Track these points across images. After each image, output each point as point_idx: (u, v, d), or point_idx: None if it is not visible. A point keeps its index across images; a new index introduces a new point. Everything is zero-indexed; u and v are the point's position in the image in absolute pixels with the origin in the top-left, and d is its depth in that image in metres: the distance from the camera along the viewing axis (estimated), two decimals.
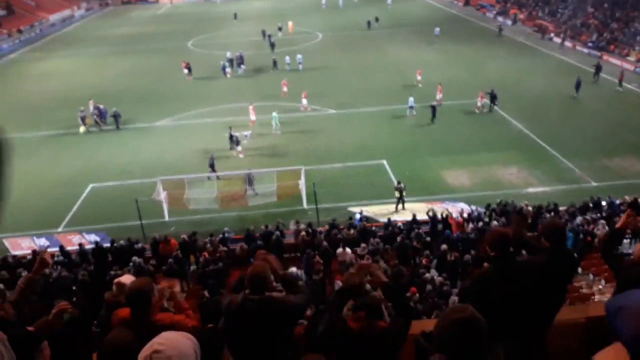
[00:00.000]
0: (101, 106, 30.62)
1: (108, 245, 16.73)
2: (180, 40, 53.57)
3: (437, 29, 45.91)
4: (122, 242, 16.63)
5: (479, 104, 29.88)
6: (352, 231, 17.26)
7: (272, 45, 45.48)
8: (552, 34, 46.89)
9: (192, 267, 15.95)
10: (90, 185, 23.15)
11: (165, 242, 16.35)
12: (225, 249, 16.26)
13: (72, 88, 37.66)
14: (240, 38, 52.56)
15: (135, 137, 28.88)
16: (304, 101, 30.86)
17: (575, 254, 13.62)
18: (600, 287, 14.12)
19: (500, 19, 57.02)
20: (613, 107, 30.32)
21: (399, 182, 20.54)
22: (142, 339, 2.58)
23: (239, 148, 25.32)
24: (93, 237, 18.34)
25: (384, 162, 24.31)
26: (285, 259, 16.05)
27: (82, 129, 29.47)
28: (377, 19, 54.92)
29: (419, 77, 34.48)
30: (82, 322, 3.73)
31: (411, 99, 29.51)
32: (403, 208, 20.27)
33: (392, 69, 39.56)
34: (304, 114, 30.63)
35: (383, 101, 32.08)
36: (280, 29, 51.71)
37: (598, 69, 34.08)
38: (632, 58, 39.31)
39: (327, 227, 17.73)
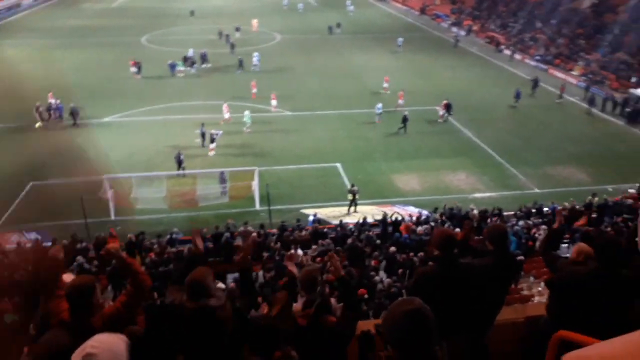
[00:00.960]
0: (57, 101, 29.30)
1: (49, 244, 16.01)
2: (134, 35, 52.10)
3: (400, 39, 46.61)
4: (64, 241, 15.95)
5: (440, 112, 30.51)
6: (304, 233, 17.29)
7: (232, 46, 44.88)
8: (502, 46, 48.68)
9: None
10: (31, 183, 22.09)
11: (111, 237, 15.86)
12: (173, 249, 15.92)
13: (19, 79, 35.86)
14: (197, 36, 51.60)
15: (81, 133, 27.80)
16: (274, 102, 30.87)
17: (518, 257, 14.27)
18: (539, 288, 14.73)
19: (454, 29, 58.72)
20: (555, 118, 31.77)
21: (352, 185, 20.77)
22: (80, 342, 2.47)
23: (212, 145, 25.06)
24: (33, 236, 17.51)
25: (338, 165, 24.50)
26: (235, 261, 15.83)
27: (38, 124, 28.10)
28: (338, 25, 55.28)
29: (385, 85, 34.83)
30: (21, 323, 3.53)
31: (379, 106, 29.81)
32: (355, 211, 20.50)
33: (351, 74, 39.98)
34: (261, 115, 30.42)
35: (341, 106, 32.43)
36: (237, 29, 50.93)
37: (535, 83, 35.51)
38: (575, 72, 41.40)
39: (277, 229, 17.67)
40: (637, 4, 46.55)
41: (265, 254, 15.47)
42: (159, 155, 25.12)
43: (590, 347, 1.20)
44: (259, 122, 29.04)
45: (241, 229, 17.25)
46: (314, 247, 16.17)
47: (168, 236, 16.90)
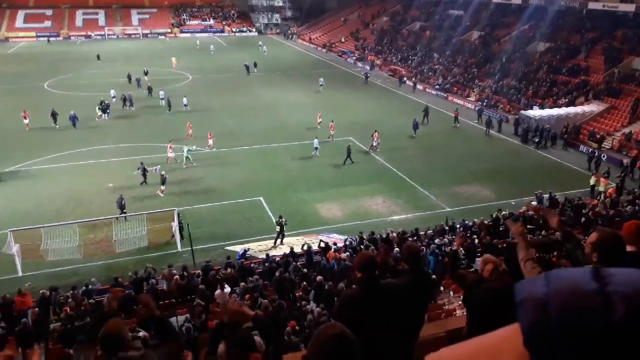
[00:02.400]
0: None
1: None
2: (35, 81, 49.42)
3: (322, 79, 47.54)
4: None
5: (374, 143, 31.56)
6: (229, 270, 17.07)
7: (150, 89, 43.57)
8: (405, 78, 51.96)
9: (53, 325, 14.42)
10: None
11: (20, 295, 14.67)
12: (91, 301, 15.02)
13: None
14: (104, 79, 50.05)
15: None
16: (210, 141, 30.90)
17: (435, 275, 15.08)
18: (460, 302, 15.61)
19: (360, 64, 62.01)
20: (456, 141, 34.28)
21: (280, 217, 20.87)
22: None
23: (163, 187, 24.74)
24: None
25: (261, 198, 24.61)
26: (161, 307, 15.27)
27: None
28: (255, 64, 56.16)
29: (319, 120, 35.64)
30: None
31: (316, 141, 30.42)
32: (281, 243, 20.59)
33: (267, 110, 40.71)
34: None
35: (260, 141, 32.78)
36: (146, 72, 49.64)
37: (426, 112, 37.75)
38: (472, 98, 45.12)
39: (201, 269, 17.28)
40: (518, 34, 52.11)
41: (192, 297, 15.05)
42: (69, 203, 23.80)
43: (448, 348, 1.24)
44: (178, 162, 28.50)
45: (165, 271, 16.69)
46: (242, 284, 15.98)
47: (84, 287, 15.92)
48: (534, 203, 22.88)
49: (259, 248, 19.99)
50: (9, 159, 28.95)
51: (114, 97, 41.87)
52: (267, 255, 18.09)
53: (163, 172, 25.43)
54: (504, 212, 21.16)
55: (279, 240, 20.66)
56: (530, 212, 21.15)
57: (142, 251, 19.51)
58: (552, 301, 0.99)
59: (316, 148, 30.33)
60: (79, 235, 19.71)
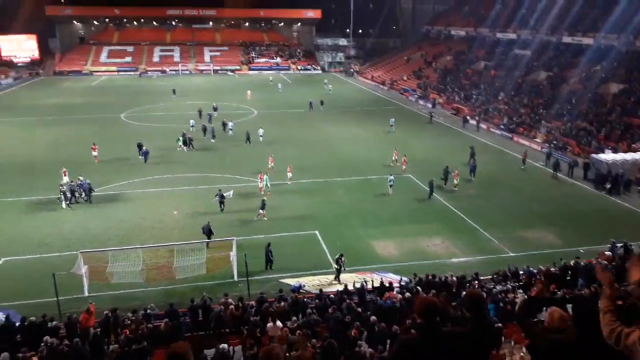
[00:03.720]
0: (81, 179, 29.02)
1: (18, 322, 15.39)
2: (114, 112, 53.18)
3: (393, 120, 47.16)
4: (32, 318, 15.35)
5: (455, 181, 31.27)
6: (282, 304, 17.06)
7: (224, 124, 45.26)
8: (468, 117, 51.07)
9: (112, 346, 14.93)
10: (2, 259, 21.52)
11: (87, 312, 15.38)
12: (150, 325, 15.45)
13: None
14: (178, 112, 53.03)
15: (55, 207, 27.51)
16: (289, 174, 31.62)
17: (498, 323, 14.33)
18: (522, 354, 14.68)
19: (422, 102, 61.81)
20: (523, 183, 33.02)
21: (341, 255, 20.60)
22: None
23: (262, 211, 25.88)
24: (1, 315, 16.77)
25: (317, 232, 24.67)
26: (220, 334, 15.53)
27: (64, 204, 27.67)
28: (322, 102, 57.29)
29: (394, 157, 35.84)
30: None
31: (391, 177, 30.40)
32: (338, 280, 20.27)
33: (327, 145, 41.49)
34: (242, 185, 30.78)
35: (320, 175, 33.13)
36: (215, 108, 51.39)
37: (472, 152, 36.17)
38: (539, 140, 43.53)
39: (255, 301, 17.38)
40: (587, 76, 50.14)
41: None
42: (135, 228, 24.96)
43: None
44: (240, 194, 29.26)
45: (222, 300, 16.95)
46: (294, 318, 15.91)
47: (142, 312, 16.44)
48: (608, 253, 21.45)
49: (312, 283, 19.88)
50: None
51: (192, 126, 44.32)
52: (321, 290, 17.92)
53: (264, 198, 26.69)
54: (574, 260, 19.91)
55: (341, 276, 20.30)
56: (604, 262, 19.82)
57: (199, 278, 19.96)
58: None
59: (391, 185, 30.09)
60: (142, 260, 20.52)
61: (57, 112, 53.46)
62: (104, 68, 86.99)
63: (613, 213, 28.27)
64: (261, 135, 42.11)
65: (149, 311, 16.58)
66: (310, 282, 20.01)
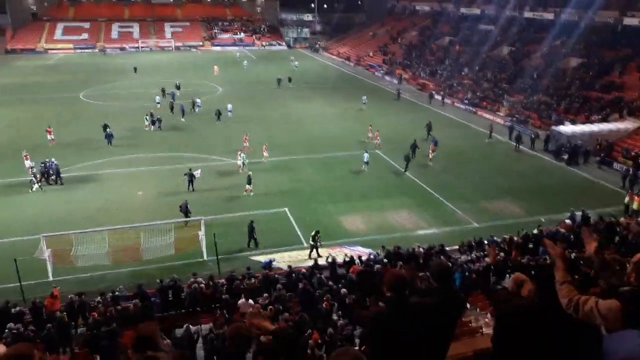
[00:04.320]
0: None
1: None
2: (71, 92, 51.20)
3: (365, 97, 46.83)
4: None
5: (430, 155, 31.79)
6: (253, 281, 17.12)
7: (193, 104, 43.87)
8: (434, 92, 51.54)
9: (80, 330, 14.72)
10: None
11: (51, 297, 15.05)
12: (119, 307, 15.26)
13: None
14: (140, 90, 51.51)
15: (16, 191, 26.57)
16: (265, 153, 31.48)
17: (463, 292, 14.78)
18: (486, 320, 15.24)
19: (388, 78, 62.06)
20: (485, 156, 33.79)
21: (317, 232, 20.71)
22: None
23: (249, 187, 26.26)
24: None
25: (286, 209, 24.69)
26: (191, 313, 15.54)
27: (35, 186, 26.74)
28: (290, 79, 56.74)
29: (369, 134, 35.81)
30: None
31: (366, 155, 30.46)
32: (318, 255, 20.38)
33: (295, 122, 41.29)
34: (213, 164, 30.40)
35: (286, 152, 33.02)
36: (178, 87, 49.88)
37: (429, 127, 37.02)
38: (502, 114, 44.47)
39: (226, 279, 17.37)
40: (549, 51, 51.29)
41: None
42: (101, 210, 24.40)
43: None
44: (205, 172, 28.88)
45: (191, 280, 16.86)
46: (265, 294, 16.01)
47: (111, 294, 16.19)
48: (568, 221, 22.35)
49: (282, 259, 19.98)
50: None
51: (158, 102, 43.59)
52: (290, 267, 18.03)
53: (250, 173, 26.90)
54: (537, 229, 20.66)
55: (314, 253, 20.54)
56: (563, 230, 20.67)
57: (167, 259, 19.75)
58: None
59: (366, 162, 30.30)
60: (108, 242, 20.12)
61: (12, 92, 51.03)
62: (59, 46, 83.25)
63: (572, 183, 29.35)
64: (230, 111, 42.04)
65: (117, 293, 16.36)
66: (281, 259, 20.11)
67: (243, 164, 29.52)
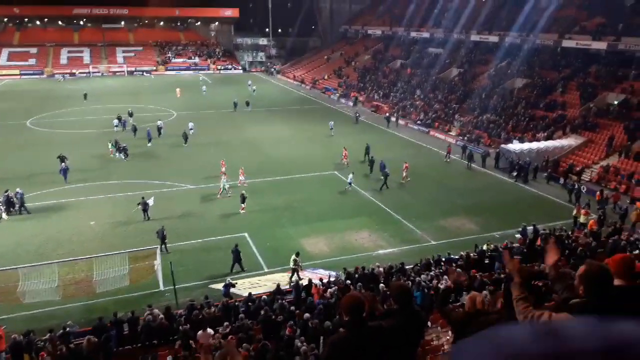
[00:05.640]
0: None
1: None
2: (18, 119, 49.18)
3: (332, 122, 46.45)
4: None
5: (404, 174, 32.44)
6: (212, 310, 16.69)
7: (159, 129, 43.17)
8: (388, 114, 52.65)
9: None
10: None
11: None
12: (71, 346, 14.47)
13: None
14: (91, 117, 50.11)
15: None
16: (242, 177, 31.20)
17: (424, 311, 14.92)
18: (448, 337, 15.41)
19: (343, 100, 63.14)
20: (440, 175, 34.65)
21: (297, 254, 20.58)
22: None
23: (243, 205, 26.76)
24: None
25: (246, 234, 24.36)
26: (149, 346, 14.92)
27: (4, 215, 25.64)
28: (247, 103, 56.42)
29: (344, 158, 36.07)
30: None
31: (350, 176, 30.89)
32: (299, 278, 20.11)
33: (252, 145, 41.09)
34: (166, 191, 29.72)
35: (248, 176, 32.74)
36: (130, 114, 48.01)
37: (367, 150, 36.81)
38: (453, 133, 45.91)
39: (185, 309, 16.86)
40: (495, 72, 53.67)
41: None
42: (50, 242, 23.29)
43: None
44: (163, 198, 28.21)
45: (147, 312, 16.24)
46: (225, 323, 15.60)
47: (61, 331, 15.36)
48: (518, 236, 23.13)
49: (243, 286, 19.61)
50: None
51: (116, 126, 43.52)
52: (250, 293, 17.63)
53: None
54: (486, 245, 21.26)
55: (294, 277, 20.22)
56: (517, 245, 21.34)
57: (123, 291, 18.99)
58: None
59: (350, 183, 30.73)
60: (58, 276, 19.17)
61: None
62: (4, 72, 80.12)
63: (523, 199, 30.46)
64: (191, 129, 42.74)
65: (68, 329, 15.53)
66: (241, 285, 19.73)
67: (224, 188, 29.32)
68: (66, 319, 16.65)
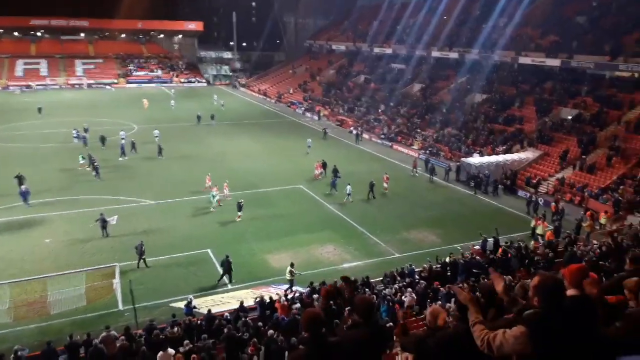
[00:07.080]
0: None
1: None
2: None
3: (309, 140, 45.48)
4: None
5: (385, 185, 33.33)
6: (175, 329, 16.21)
7: (133, 144, 41.73)
8: (352, 129, 53.08)
9: None
10: None
11: None
12: None
13: None
14: (49, 130, 48.50)
15: None
16: (226, 191, 30.82)
17: (389, 324, 14.94)
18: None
19: (308, 114, 63.42)
20: (403, 188, 34.96)
21: (292, 265, 20.75)
22: None
23: (239, 213, 27.37)
24: None
25: (209, 251, 23.92)
26: None
27: None
28: (212, 117, 55.58)
29: (317, 172, 36.33)
30: None
31: (349, 187, 31.38)
32: (230, 280, 20.04)
33: (217, 159, 40.59)
34: (125, 206, 28.92)
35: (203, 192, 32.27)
36: (86, 130, 45.71)
37: (324, 165, 36.66)
38: (415, 147, 46.73)
39: (144, 329, 16.30)
40: (456, 88, 55.17)
41: None
42: (1, 261, 22.21)
43: None
44: (123, 214, 27.40)
45: (103, 334, 15.60)
46: (186, 342, 15.16)
47: (12, 355, 14.59)
48: (477, 247, 23.61)
49: (205, 304, 19.15)
50: None
51: (75, 137, 43.16)
52: (209, 310, 17.22)
53: (241, 200, 27.73)
54: (449, 258, 21.57)
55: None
56: (477, 258, 21.74)
57: (79, 311, 18.25)
58: None
59: (349, 194, 31.14)
60: (9, 297, 18.26)
61: None
62: None
63: (484, 211, 31.18)
64: (157, 136, 43.27)
65: (19, 353, 14.76)
66: (203, 303, 19.27)
67: (214, 200, 29.45)
68: (17, 342, 15.86)
